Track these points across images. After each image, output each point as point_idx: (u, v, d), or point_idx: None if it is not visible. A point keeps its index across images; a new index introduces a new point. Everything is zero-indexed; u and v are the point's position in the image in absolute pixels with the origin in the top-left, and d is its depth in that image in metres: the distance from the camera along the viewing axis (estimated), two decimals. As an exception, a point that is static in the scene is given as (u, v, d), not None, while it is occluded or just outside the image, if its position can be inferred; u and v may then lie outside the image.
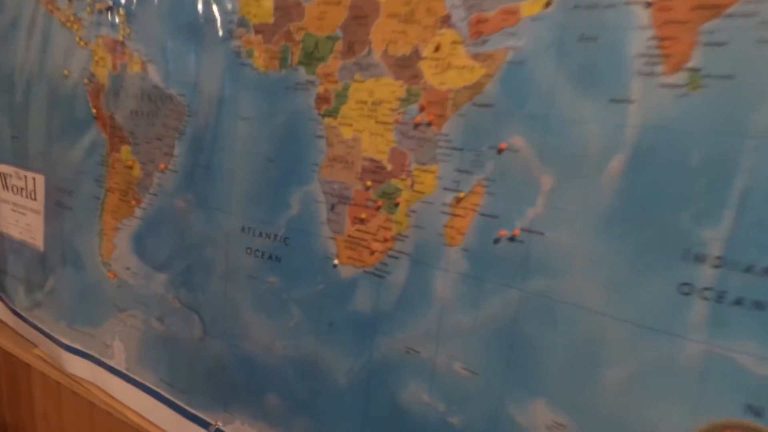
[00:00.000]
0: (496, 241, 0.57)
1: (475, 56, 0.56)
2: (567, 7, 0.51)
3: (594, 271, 0.52)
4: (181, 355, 0.86)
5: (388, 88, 0.62)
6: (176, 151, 0.81)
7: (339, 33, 0.64)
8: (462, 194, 0.58)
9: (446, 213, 0.60)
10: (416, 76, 0.60)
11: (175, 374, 0.88)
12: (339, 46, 0.64)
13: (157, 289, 0.87)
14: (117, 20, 0.84)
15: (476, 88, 0.56)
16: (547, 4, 0.52)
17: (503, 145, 0.55)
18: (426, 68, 0.59)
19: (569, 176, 0.53)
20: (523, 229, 0.55)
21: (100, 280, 0.95)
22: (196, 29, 0.76)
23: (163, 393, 0.90)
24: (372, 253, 0.65)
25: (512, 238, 0.56)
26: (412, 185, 0.61)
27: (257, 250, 0.75)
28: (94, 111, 0.90)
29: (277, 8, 0.69)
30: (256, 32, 0.71)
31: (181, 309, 0.85)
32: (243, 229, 0.75)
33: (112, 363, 0.97)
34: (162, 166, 0.83)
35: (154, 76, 0.82)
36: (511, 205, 0.56)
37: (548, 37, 0.52)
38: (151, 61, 0.81)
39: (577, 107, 0.52)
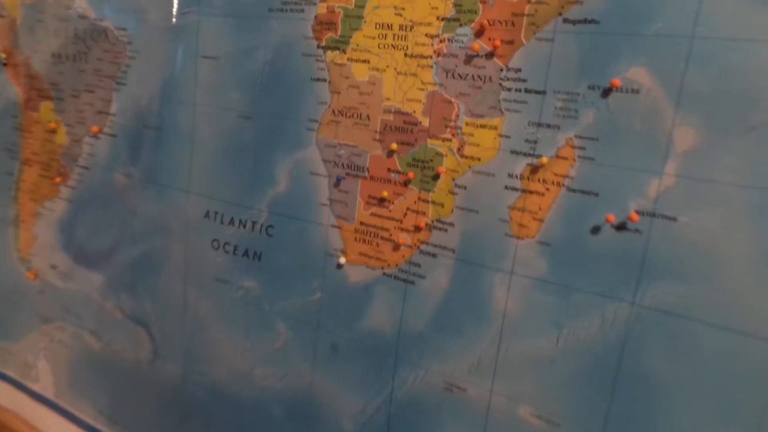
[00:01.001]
0: (595, 230, 0.38)
1: (571, -56, 0.36)
2: None
3: (755, 276, 0.33)
4: (125, 382, 0.65)
5: (426, 2, 0.41)
6: (114, 108, 0.59)
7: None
8: (542, 160, 0.38)
9: (514, 189, 0.40)
10: (471, -18, 0.40)
11: (117, 406, 0.67)
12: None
13: (92, 295, 0.65)
14: (30, -74, 0.61)
15: (571, -6, 0.36)
16: None
17: (615, 82, 0.36)
18: (487, -31, 0.39)
19: (723, 129, 0.33)
20: (642, 212, 0.36)
21: (16, 282, 0.72)
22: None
23: (101, 429, 0.68)
24: (396, 248, 0.45)
25: (622, 226, 0.37)
26: (460, 148, 0.41)
27: (227, 244, 0.54)
28: (2, 55, 0.67)
29: None
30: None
31: (124, 321, 0.63)
32: (207, 214, 0.54)
33: (36, 388, 0.75)
34: (95, 128, 0.61)
35: (83, 3, 0.59)
36: (622, 177, 0.36)
37: None
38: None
39: (742, 19, 0.32)
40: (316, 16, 0.46)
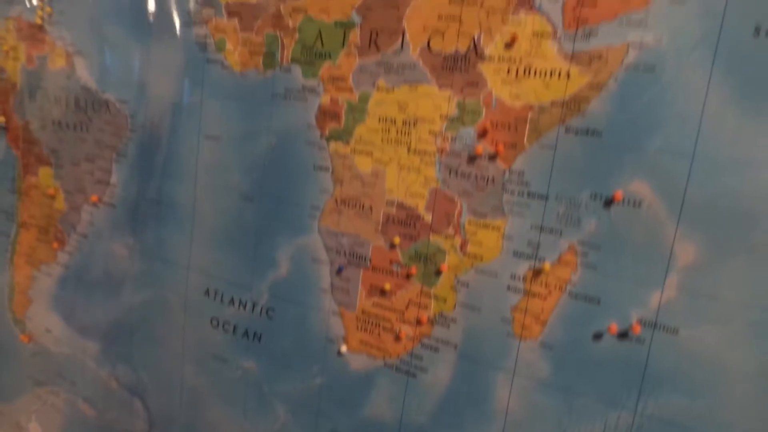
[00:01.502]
0: (598, 336, 0.38)
1: (574, 57, 0.37)
2: (734, -16, 0.32)
3: (756, 394, 0.33)
4: (119, 452, 0.64)
5: (430, 100, 0.42)
6: (114, 179, 0.59)
7: (355, 18, 0.44)
8: (545, 266, 0.39)
9: (517, 290, 0.40)
10: (474, 84, 0.40)
11: (111, 475, 0.65)
12: (354, 36, 0.44)
13: (87, 362, 0.64)
14: (34, -3, 0.62)
15: (574, 105, 0.37)
16: (698, -20, 0.33)
17: (618, 195, 0.36)
18: (491, 73, 0.39)
19: (724, 247, 0.34)
20: (644, 323, 0.36)
21: (11, 343, 0.71)
22: (144, 11, 0.54)
23: (94, 497, 0.67)
24: (398, 339, 0.45)
25: (624, 335, 0.37)
26: (462, 246, 0.42)
27: (227, 323, 0.53)
28: (1, 118, 0.67)
29: (261, -19, 0.48)
30: (230, 15, 0.49)
31: (120, 392, 0.62)
32: (207, 291, 0.54)
33: (27, 450, 0.73)
34: (94, 198, 0.60)
35: (84, 74, 0.59)
36: (623, 286, 0.37)
37: (698, 29, 0.33)
38: (79, 54, 0.59)
39: (743, 140, 0.33)
40: (319, 106, 0.46)
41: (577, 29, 0.36)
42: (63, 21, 0.60)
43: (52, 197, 0.64)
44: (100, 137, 0.59)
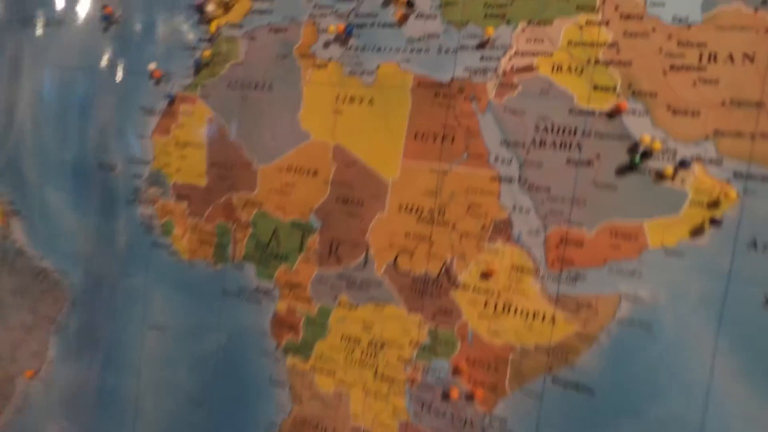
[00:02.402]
0: None
1: (559, 300, 0.32)
2: (741, 244, 0.28)
3: None
4: None
5: (398, 323, 0.37)
6: (51, 354, 0.52)
7: (314, 221, 0.39)
8: None
9: None
10: (447, 313, 0.35)
11: None
12: (314, 242, 0.39)
13: None
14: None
15: (561, 354, 0.32)
16: (697, 232, 0.29)
17: (617, 468, 0.31)
18: (465, 303, 0.35)
19: None
20: None
21: None
22: (85, 175, 0.49)
23: None
24: None
25: None
26: (438, 491, 0.36)
27: None
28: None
29: (212, 165, 0.43)
30: (179, 197, 0.45)
31: None
32: (150, 500, 0.47)
33: None
34: (29, 373, 0.54)
35: (21, 236, 0.53)
36: None
37: (698, 288, 0.29)
38: (17, 213, 0.53)
39: (753, 414, 0.28)
40: (275, 313, 0.41)
41: (561, 270, 0.32)
42: (2, 178, 0.54)
43: (-17, 365, 0.57)
44: (36, 307, 0.53)
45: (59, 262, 0.51)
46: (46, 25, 0.50)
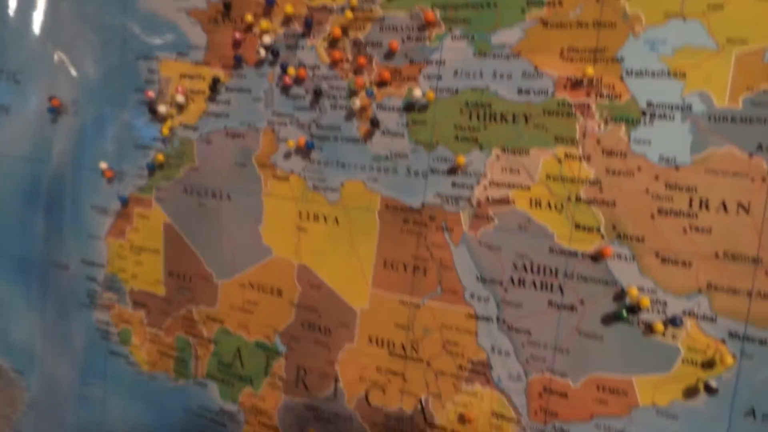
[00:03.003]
0: None
1: (542, 454, 0.30)
2: (738, 412, 0.26)
3: None
4: None
5: (371, 461, 0.34)
6: (9, 457, 0.49)
7: (279, 345, 0.36)
8: None
9: None
10: (423, 454, 0.33)
11: None
12: (279, 367, 0.36)
13: None
14: None
15: None
16: (691, 392, 0.27)
17: None
18: (443, 446, 0.32)
19: None
20: None
21: None
22: (38, 272, 0.45)
23: None
24: None
25: None
26: None
27: None
28: None
29: (170, 274, 0.40)
30: (136, 305, 0.42)
31: None
32: None
33: None
34: (-14, 475, 0.51)
35: (-27, 332, 0.50)
36: None
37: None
38: (-32, 307, 0.50)
39: None
40: (241, 439, 0.38)
41: (545, 422, 0.29)
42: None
43: (-60, 463, 0.54)
44: (-8, 406, 0.50)
45: (16, 360, 0.48)
46: (-10, 110, 0.46)
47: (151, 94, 0.39)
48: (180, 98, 0.38)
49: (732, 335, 0.26)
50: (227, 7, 0.36)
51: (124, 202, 0.41)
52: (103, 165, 0.41)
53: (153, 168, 0.40)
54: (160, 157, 0.39)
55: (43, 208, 0.44)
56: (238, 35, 0.36)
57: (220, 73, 0.37)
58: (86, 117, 0.42)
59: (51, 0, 0.42)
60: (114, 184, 0.41)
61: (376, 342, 0.33)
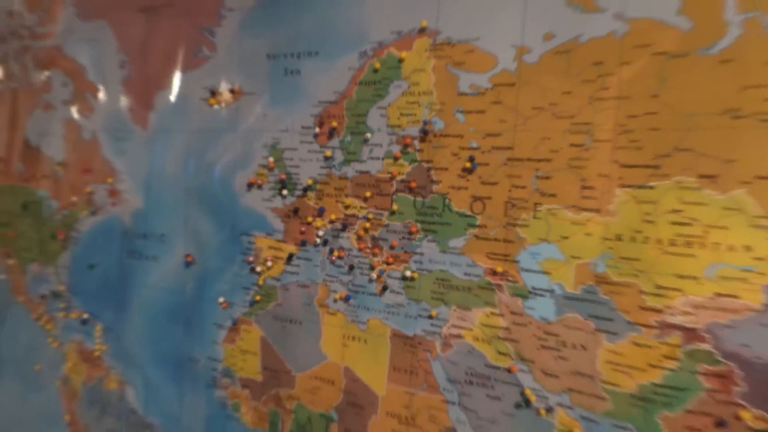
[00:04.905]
0: None
1: (487, 484, 0.51)
2: (586, 461, 0.47)
3: None
4: None
5: (392, 488, 0.56)
6: (158, 485, 0.74)
7: (334, 415, 0.59)
8: None
9: None
10: (422, 483, 0.54)
11: None
12: (334, 429, 0.59)
13: None
14: (94, 333, 0.79)
15: None
16: (564, 448, 0.48)
17: None
18: (432, 478, 0.54)
19: None
20: None
21: None
22: (179, 365, 0.71)
23: None
24: None
25: None
26: None
27: None
28: (67, 416, 0.83)
29: (265, 368, 0.64)
30: (243, 386, 0.66)
31: None
32: None
33: None
34: (142, 497, 0.75)
35: (133, 399, 0.76)
36: None
37: (567, 483, 0.48)
38: (129, 383, 0.76)
39: None
40: (312, 473, 0.61)
41: (487, 465, 0.51)
42: (116, 355, 0.77)
43: (108, 488, 0.79)
44: (145, 450, 0.75)
45: (162, 419, 0.73)
46: (146, 258, 0.72)
47: (251, 259, 0.63)
48: (269, 263, 0.62)
49: (582, 417, 0.47)
50: (295, 211, 0.60)
51: (235, 322, 0.65)
52: (221, 299, 0.66)
53: (253, 303, 0.64)
54: (257, 297, 0.63)
55: (182, 323, 0.69)
56: (303, 228, 0.60)
57: (293, 249, 0.61)
58: (210, 266, 0.67)
59: (186, 199, 0.68)
60: (228, 311, 0.66)
61: (391, 415, 0.56)
